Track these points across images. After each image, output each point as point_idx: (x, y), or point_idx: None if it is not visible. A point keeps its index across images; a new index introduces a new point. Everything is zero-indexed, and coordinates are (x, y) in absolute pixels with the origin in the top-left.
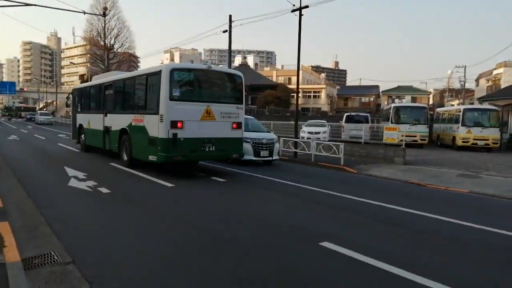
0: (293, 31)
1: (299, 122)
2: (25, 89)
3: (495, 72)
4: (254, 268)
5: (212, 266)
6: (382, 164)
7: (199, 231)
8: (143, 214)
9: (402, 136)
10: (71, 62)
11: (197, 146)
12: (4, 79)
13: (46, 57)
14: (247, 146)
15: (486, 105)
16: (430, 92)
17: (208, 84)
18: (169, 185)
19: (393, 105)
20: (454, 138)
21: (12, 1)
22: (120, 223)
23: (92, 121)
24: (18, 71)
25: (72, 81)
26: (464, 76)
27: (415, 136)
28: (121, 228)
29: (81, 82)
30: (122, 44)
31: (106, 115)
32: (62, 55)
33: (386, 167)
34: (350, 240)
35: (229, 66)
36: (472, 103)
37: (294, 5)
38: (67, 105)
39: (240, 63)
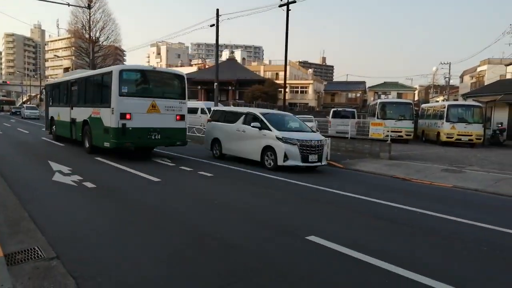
0: (281, 27)
1: None
2: (8, 82)
3: (479, 69)
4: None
5: (204, 265)
6: (368, 159)
7: (185, 227)
8: (128, 208)
9: (388, 131)
10: (55, 55)
11: (144, 135)
12: None
13: (29, 50)
14: (293, 149)
15: (470, 102)
16: (416, 88)
17: (154, 82)
18: (156, 179)
19: (379, 101)
20: (438, 133)
21: None
22: (105, 218)
23: (61, 113)
24: (1, 63)
25: (56, 74)
26: (449, 73)
27: (401, 132)
28: (106, 222)
29: None
30: (108, 37)
31: (72, 108)
32: (46, 48)
33: (372, 161)
34: (335, 235)
35: (217, 61)
36: (457, 100)
37: (281, 0)
38: (41, 100)
39: (227, 57)
